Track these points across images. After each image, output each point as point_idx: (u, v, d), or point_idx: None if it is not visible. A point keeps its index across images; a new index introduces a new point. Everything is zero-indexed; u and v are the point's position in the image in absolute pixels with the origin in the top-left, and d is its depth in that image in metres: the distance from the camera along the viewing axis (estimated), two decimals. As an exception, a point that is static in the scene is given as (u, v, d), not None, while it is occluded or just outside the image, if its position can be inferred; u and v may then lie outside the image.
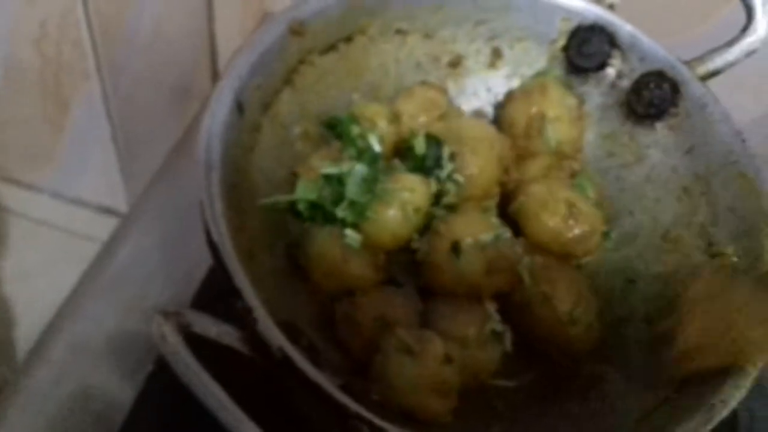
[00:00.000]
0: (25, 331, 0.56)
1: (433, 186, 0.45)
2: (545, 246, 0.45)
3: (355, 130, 0.46)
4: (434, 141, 0.46)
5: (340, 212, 0.44)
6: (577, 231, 0.45)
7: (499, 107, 0.51)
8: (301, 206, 0.44)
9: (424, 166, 0.46)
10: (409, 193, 0.44)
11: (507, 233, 0.44)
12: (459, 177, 0.45)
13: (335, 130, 0.46)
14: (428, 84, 0.50)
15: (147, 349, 0.49)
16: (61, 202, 0.61)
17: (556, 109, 0.48)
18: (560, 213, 0.45)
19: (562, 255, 0.45)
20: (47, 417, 0.47)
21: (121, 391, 0.48)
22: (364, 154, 0.45)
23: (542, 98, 0.48)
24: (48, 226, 0.61)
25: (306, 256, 0.44)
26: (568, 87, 0.50)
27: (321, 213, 0.44)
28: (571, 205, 0.45)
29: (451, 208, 0.46)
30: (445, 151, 0.46)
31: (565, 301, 0.43)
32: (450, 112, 0.50)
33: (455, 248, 0.43)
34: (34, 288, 0.58)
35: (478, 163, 0.46)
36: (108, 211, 0.61)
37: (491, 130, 0.49)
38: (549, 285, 0.43)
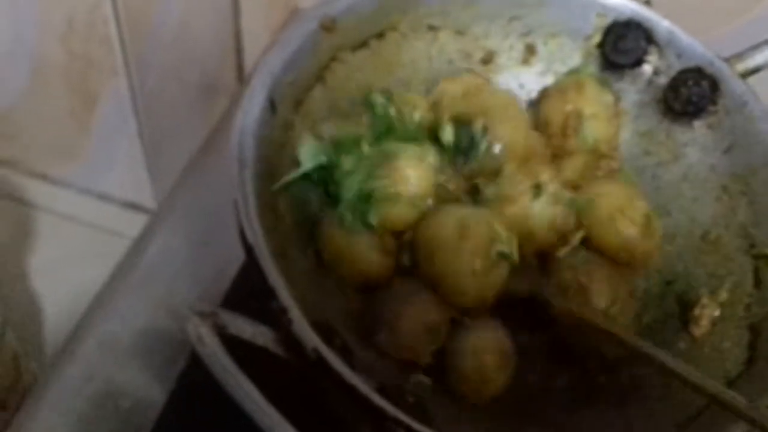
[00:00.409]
0: (54, 327, 0.56)
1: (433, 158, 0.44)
2: (602, 248, 0.45)
3: (389, 108, 0.45)
4: (461, 122, 0.46)
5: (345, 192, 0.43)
6: (648, 245, 0.44)
7: (533, 105, 0.50)
8: (312, 174, 0.44)
9: (459, 150, 0.45)
10: (404, 184, 0.43)
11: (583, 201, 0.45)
12: (496, 148, 0.45)
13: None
14: (474, 72, 0.50)
15: (177, 347, 0.49)
16: (88, 197, 0.61)
17: (592, 106, 0.47)
18: (637, 224, 0.44)
19: (621, 263, 0.45)
20: (77, 414, 0.47)
21: (151, 388, 0.48)
22: (390, 130, 0.45)
23: (578, 96, 0.47)
24: (75, 222, 0.61)
25: (319, 238, 0.43)
26: (604, 84, 0.49)
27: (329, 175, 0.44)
28: (648, 218, 0.44)
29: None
30: (476, 128, 0.45)
31: (602, 297, 0.42)
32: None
33: (537, 187, 0.43)
34: (61, 283, 0.58)
35: (507, 130, 0.45)
36: (135, 206, 0.61)
37: (510, 95, 0.48)
38: (587, 277, 0.43)
